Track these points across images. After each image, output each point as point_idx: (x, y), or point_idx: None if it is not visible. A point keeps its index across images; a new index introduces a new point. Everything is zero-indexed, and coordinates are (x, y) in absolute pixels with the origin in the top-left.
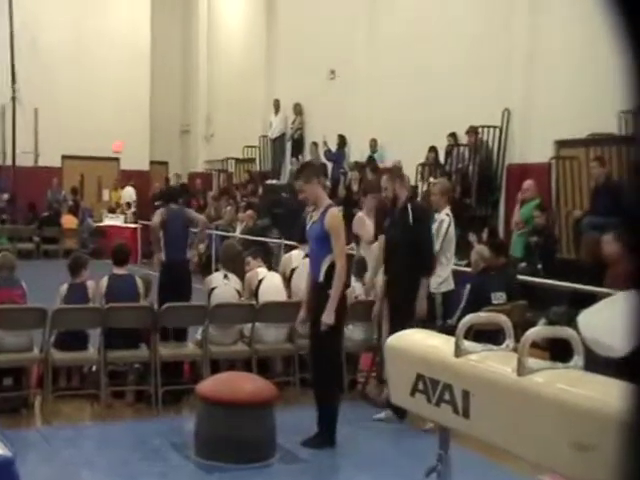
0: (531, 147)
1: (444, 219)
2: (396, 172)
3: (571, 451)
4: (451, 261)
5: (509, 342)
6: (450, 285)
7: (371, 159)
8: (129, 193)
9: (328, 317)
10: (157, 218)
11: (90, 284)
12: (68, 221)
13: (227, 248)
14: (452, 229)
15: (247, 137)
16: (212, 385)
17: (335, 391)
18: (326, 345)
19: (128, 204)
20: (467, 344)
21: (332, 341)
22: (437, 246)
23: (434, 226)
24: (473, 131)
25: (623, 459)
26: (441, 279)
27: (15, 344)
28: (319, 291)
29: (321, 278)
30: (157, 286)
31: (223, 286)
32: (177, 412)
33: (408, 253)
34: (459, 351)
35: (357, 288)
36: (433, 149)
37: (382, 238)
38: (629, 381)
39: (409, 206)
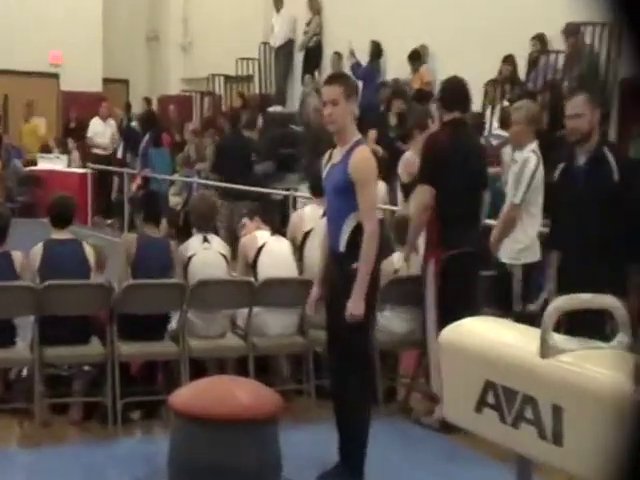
0: None
1: (529, 158)
2: (596, 98)
3: None
4: (538, 219)
5: (622, 337)
6: (535, 254)
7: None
8: (95, 126)
9: (355, 306)
10: (126, 248)
11: (17, 255)
12: None
13: (198, 202)
14: (540, 173)
15: (242, 45)
16: (192, 395)
17: (365, 405)
18: (350, 339)
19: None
20: (558, 339)
21: (359, 334)
22: (517, 198)
23: (514, 168)
24: (573, 31)
25: None
26: (522, 245)
27: None
28: (340, 265)
29: (342, 247)
30: None
31: (202, 252)
32: (143, 432)
33: (605, 224)
34: (547, 349)
35: (398, 258)
36: (509, 59)
37: (426, 190)
38: None
39: (608, 152)
